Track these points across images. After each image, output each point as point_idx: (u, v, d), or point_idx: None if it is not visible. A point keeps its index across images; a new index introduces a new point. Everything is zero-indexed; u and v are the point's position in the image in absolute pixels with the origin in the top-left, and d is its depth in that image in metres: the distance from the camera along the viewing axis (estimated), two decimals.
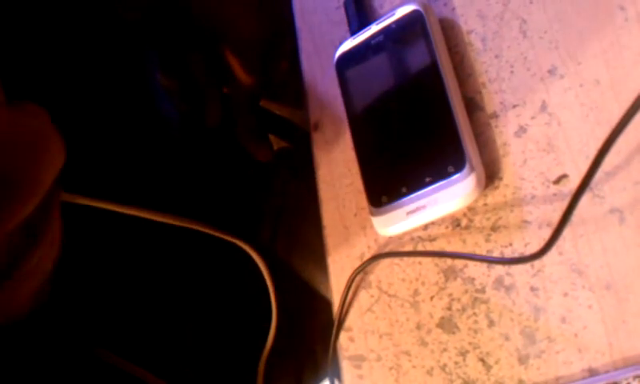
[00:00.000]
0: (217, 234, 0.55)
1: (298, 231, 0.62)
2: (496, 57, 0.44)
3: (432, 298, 0.46)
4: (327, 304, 0.53)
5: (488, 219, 0.43)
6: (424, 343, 0.46)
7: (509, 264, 0.42)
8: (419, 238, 0.47)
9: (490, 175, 0.43)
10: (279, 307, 0.58)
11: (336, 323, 0.51)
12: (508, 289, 0.42)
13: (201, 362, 0.58)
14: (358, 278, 0.50)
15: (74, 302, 0.49)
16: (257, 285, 0.58)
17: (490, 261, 0.43)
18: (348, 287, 0.50)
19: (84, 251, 0.47)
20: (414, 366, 0.46)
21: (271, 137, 0.74)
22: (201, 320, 0.60)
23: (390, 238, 0.48)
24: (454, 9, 0.46)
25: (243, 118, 0.56)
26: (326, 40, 0.55)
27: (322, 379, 0.58)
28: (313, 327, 0.59)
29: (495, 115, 0.43)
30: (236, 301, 0.62)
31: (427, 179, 0.43)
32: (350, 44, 0.50)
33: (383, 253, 0.49)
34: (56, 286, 0.36)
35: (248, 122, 0.56)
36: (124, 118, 0.55)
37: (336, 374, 0.51)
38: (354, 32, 0.50)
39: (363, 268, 0.49)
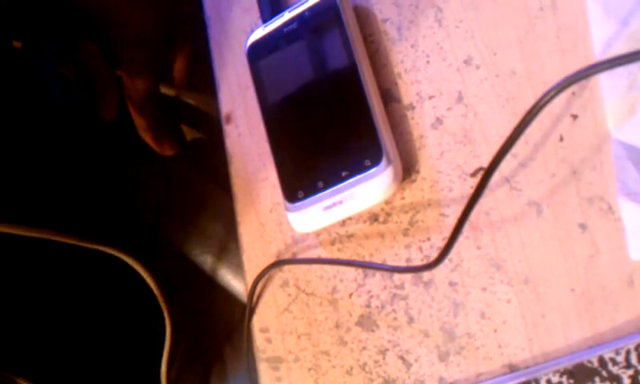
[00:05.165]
0: (87, 246, 0.52)
1: (207, 228, 0.60)
2: (412, 46, 0.43)
3: (351, 295, 0.44)
4: (235, 303, 0.51)
5: (406, 213, 0.42)
6: (343, 342, 0.44)
7: (409, 272, 0.42)
8: (337, 233, 0.45)
9: (408, 168, 0.42)
10: (172, 314, 0.55)
11: (246, 324, 0.49)
12: (427, 284, 0.41)
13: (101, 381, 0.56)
14: (275, 277, 0.48)
15: None
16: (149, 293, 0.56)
17: (391, 270, 0.42)
18: (252, 292, 0.48)
19: None
20: (333, 366, 0.45)
21: (184, 127, 0.71)
22: (97, 337, 0.57)
23: (307, 234, 0.47)
24: None
25: (138, 110, 0.52)
26: (236, 28, 0.52)
27: (231, 382, 0.56)
28: (220, 328, 0.57)
29: (412, 106, 0.42)
30: (130, 313, 0.60)
31: (344, 173, 0.42)
32: (261, 32, 0.47)
33: (282, 260, 0.48)
34: None
35: (144, 115, 0.53)
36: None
37: (253, 377, 0.49)
38: (265, 20, 0.48)
39: (264, 274, 0.48)
